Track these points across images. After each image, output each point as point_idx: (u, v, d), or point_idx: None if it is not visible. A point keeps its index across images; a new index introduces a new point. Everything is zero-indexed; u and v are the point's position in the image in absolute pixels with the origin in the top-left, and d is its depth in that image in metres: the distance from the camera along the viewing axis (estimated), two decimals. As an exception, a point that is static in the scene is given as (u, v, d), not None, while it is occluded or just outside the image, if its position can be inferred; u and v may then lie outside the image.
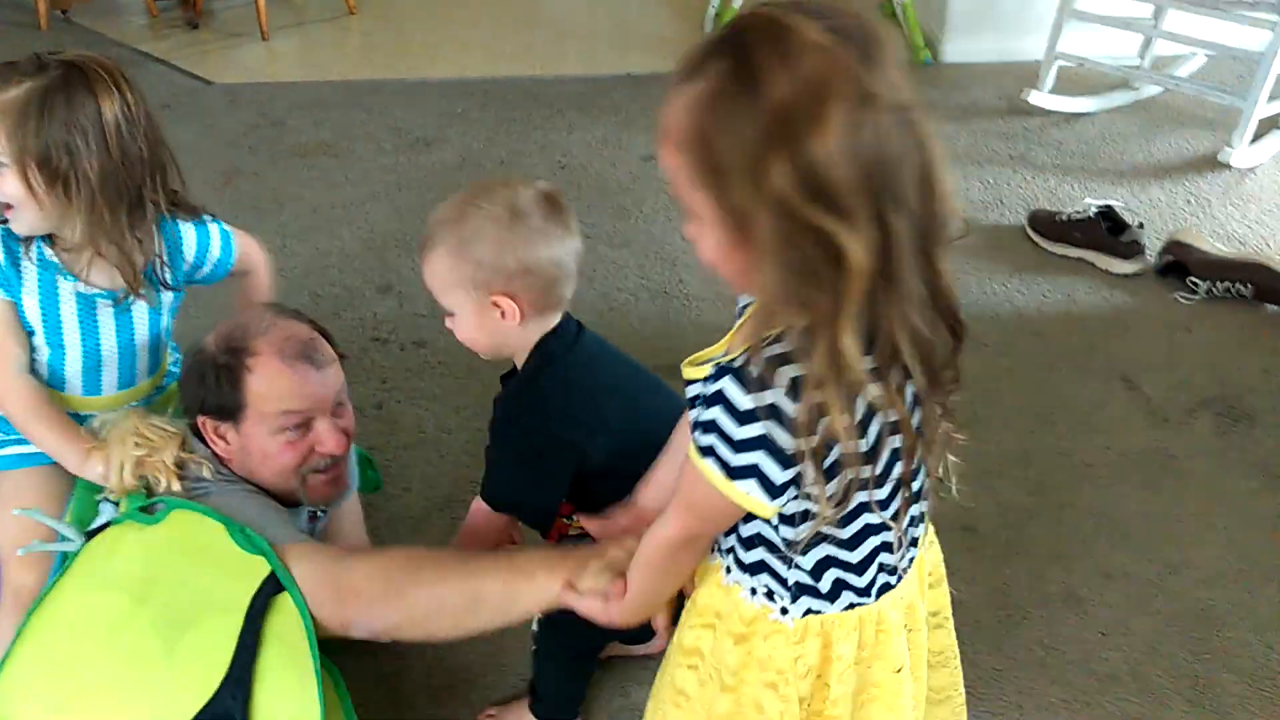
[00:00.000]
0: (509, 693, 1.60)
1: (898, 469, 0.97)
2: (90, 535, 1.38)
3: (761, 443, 0.87)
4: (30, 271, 1.42)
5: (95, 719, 1.25)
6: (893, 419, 0.93)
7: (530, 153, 3.13)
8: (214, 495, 1.38)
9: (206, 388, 1.40)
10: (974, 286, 2.56)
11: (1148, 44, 3.47)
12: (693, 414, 0.93)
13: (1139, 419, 2.17)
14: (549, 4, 4.62)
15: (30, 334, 1.45)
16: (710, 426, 0.89)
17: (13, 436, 1.49)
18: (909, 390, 0.92)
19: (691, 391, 0.95)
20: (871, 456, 0.93)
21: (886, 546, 1.02)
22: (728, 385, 0.87)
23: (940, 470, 1.03)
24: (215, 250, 1.57)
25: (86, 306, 1.45)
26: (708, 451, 0.90)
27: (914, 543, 1.08)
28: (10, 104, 1.30)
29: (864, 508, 0.97)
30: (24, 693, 1.28)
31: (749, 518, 0.99)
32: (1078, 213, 2.67)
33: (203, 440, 1.43)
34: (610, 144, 3.20)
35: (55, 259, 1.42)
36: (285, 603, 1.28)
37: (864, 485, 0.94)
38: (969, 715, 1.29)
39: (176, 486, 1.36)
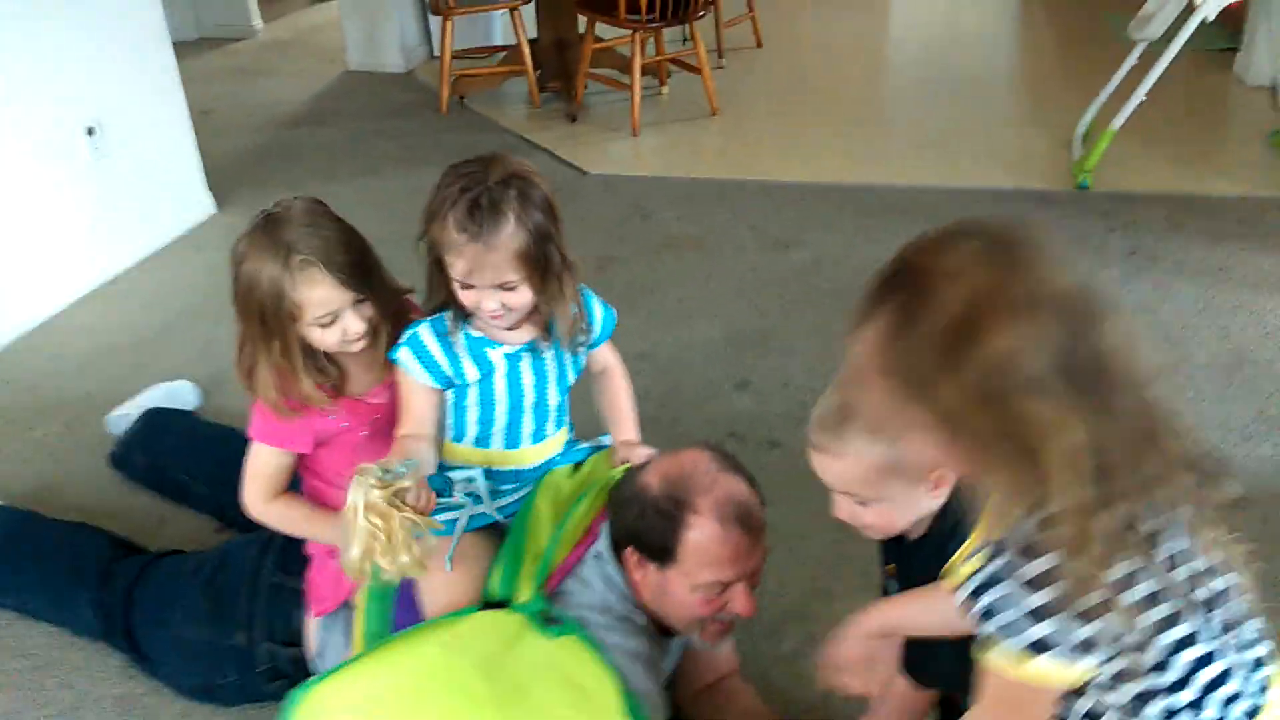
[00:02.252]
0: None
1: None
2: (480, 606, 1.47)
3: (1051, 608, 0.90)
4: (463, 351, 1.56)
5: None
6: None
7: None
8: (595, 628, 1.44)
9: (642, 525, 1.45)
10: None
11: None
12: (977, 608, 0.94)
13: None
14: (905, 111, 4.64)
15: (462, 396, 1.59)
16: (999, 604, 0.92)
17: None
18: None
19: (968, 588, 0.96)
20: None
21: (1225, 675, 0.98)
22: (1006, 559, 0.92)
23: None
24: (598, 317, 1.67)
25: (512, 362, 1.58)
26: (1003, 632, 0.92)
27: (1259, 663, 1.02)
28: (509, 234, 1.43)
29: (1181, 645, 0.95)
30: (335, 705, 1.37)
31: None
32: None
33: (618, 563, 1.50)
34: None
35: (482, 333, 1.55)
36: None
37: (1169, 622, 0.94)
38: None
39: (406, 559, 1.33)
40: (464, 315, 1.53)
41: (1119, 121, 3.48)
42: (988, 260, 0.89)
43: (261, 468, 1.64)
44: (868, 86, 5.01)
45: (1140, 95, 3.42)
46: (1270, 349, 2.70)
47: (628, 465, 1.63)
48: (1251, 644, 1.02)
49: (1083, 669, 0.92)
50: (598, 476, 1.67)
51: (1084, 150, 3.68)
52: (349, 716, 1.37)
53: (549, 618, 1.43)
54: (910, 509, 1.27)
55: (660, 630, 1.53)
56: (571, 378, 1.67)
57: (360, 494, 1.30)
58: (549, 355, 1.59)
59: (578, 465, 1.71)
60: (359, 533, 1.28)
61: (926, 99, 4.63)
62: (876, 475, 1.22)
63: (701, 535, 1.41)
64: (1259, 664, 1.03)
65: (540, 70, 4.51)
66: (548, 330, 1.57)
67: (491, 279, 1.44)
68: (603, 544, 1.53)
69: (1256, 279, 3.02)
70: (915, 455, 0.98)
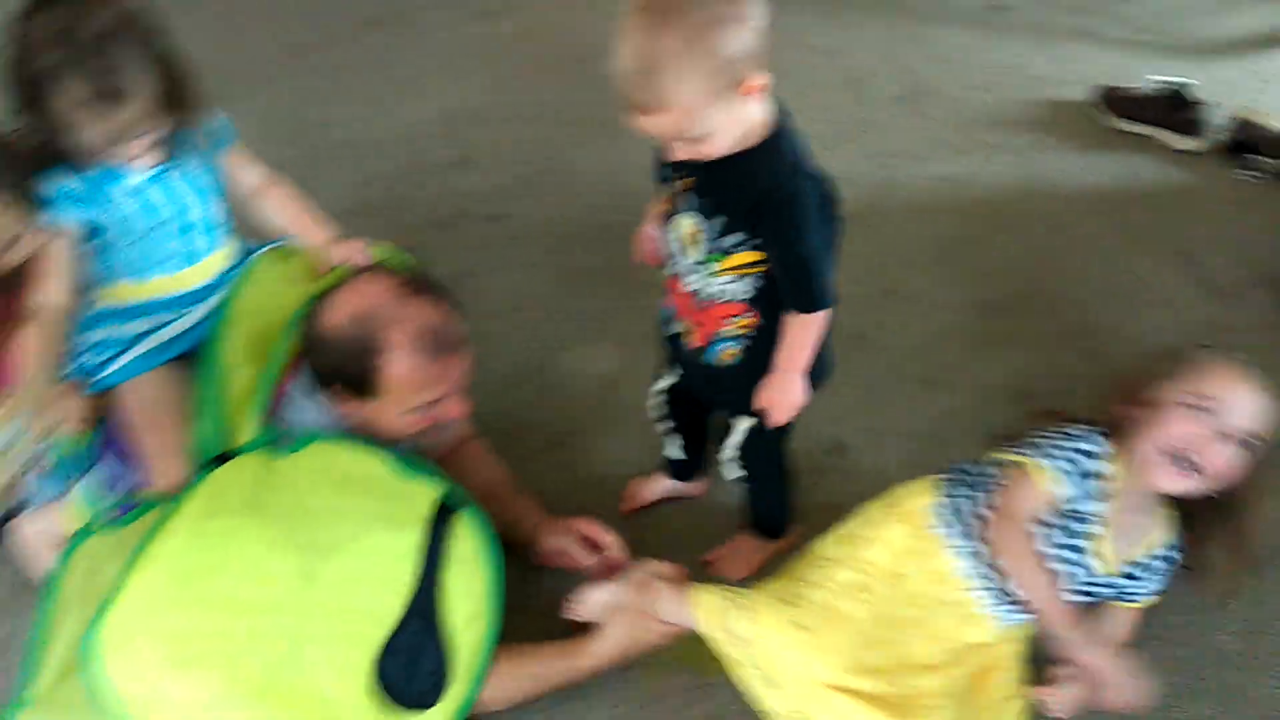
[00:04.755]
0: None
1: None
2: (208, 466, 1.42)
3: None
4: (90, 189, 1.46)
5: (228, 644, 1.30)
6: None
7: (604, 25, 3.15)
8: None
9: (340, 364, 1.43)
10: (1039, 162, 2.61)
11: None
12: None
13: (1196, 293, 2.24)
14: None
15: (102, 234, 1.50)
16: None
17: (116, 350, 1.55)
18: None
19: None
20: None
21: None
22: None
23: None
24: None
25: (142, 189, 1.49)
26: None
27: None
28: None
29: None
30: (143, 624, 1.30)
31: None
32: (1145, 89, 2.69)
33: (325, 395, 1.49)
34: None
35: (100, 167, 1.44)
36: (462, 524, 1.42)
37: None
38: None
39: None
40: (73, 156, 1.40)
41: None
42: None
43: None
44: None
45: None
46: (940, 77, 2.96)
47: (342, 267, 1.60)
48: None
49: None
50: (294, 295, 1.59)
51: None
52: (162, 645, 1.31)
53: (281, 440, 1.43)
54: (738, 125, 1.24)
55: None
56: (211, 187, 1.57)
57: None
58: (175, 173, 1.51)
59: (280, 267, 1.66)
60: None
61: None
62: (701, 111, 1.19)
63: (400, 367, 1.41)
64: None
65: None
66: (170, 147, 1.47)
67: (127, 134, 1.36)
68: (305, 378, 1.51)
69: (929, 12, 3.26)
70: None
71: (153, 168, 1.48)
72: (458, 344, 1.47)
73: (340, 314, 1.43)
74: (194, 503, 1.37)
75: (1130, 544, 1.42)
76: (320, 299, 1.48)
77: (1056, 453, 1.39)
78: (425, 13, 3.28)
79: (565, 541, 1.64)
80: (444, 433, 1.56)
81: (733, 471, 1.63)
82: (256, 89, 2.90)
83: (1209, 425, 1.32)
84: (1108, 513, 1.39)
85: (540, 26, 3.17)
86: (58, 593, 1.45)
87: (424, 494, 1.43)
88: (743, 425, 1.55)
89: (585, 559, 1.63)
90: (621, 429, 1.93)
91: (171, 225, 1.53)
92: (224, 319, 1.56)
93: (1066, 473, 1.38)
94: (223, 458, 1.43)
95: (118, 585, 1.32)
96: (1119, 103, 2.72)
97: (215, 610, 1.31)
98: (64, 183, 1.44)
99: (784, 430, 1.51)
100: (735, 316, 1.40)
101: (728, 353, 1.44)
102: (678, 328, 1.50)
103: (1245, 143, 2.56)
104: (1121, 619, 1.50)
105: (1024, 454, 1.40)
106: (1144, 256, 2.33)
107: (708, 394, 1.58)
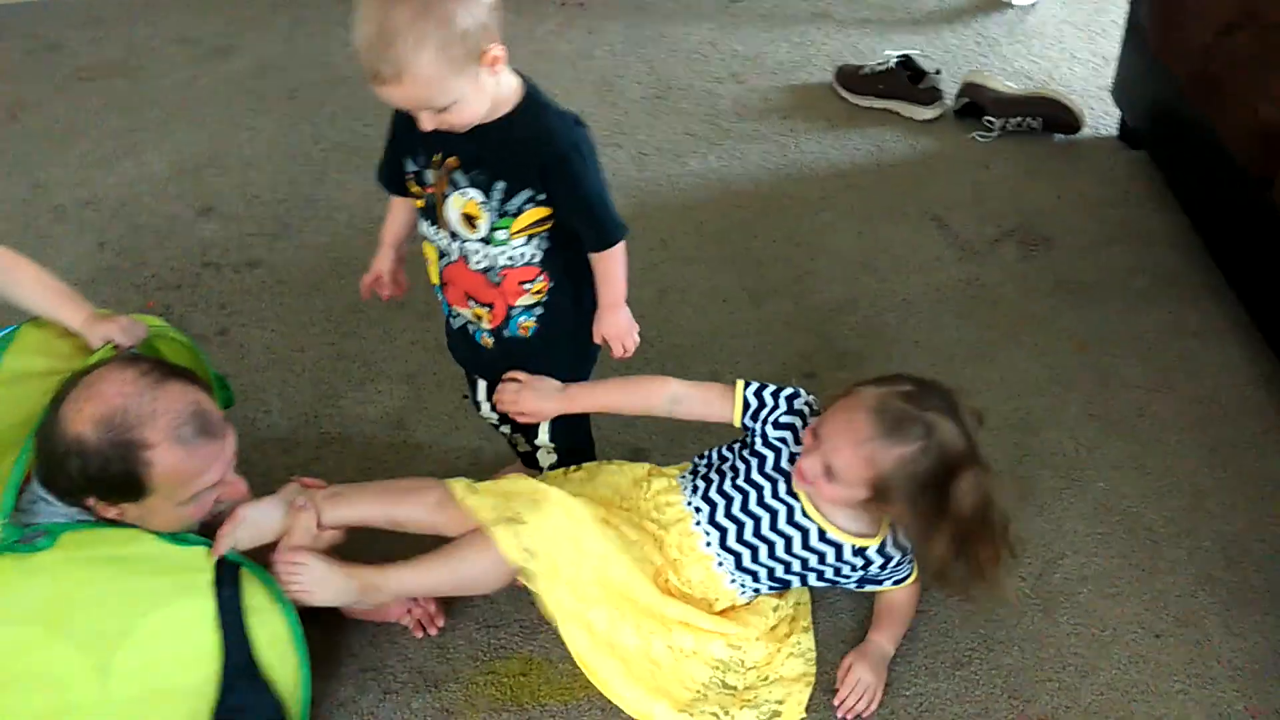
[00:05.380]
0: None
1: None
2: None
3: None
4: None
5: None
6: None
7: (337, 54, 3.03)
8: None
9: (95, 477, 1.30)
10: (791, 146, 2.67)
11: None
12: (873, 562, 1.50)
13: (950, 254, 2.34)
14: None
15: None
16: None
17: None
18: None
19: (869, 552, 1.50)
20: None
21: None
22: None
23: None
24: None
25: None
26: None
27: None
28: None
29: None
30: None
31: None
32: (879, 65, 2.80)
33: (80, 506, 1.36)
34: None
35: None
36: (246, 577, 1.36)
37: None
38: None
39: None
40: None
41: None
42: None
43: None
44: None
45: None
46: (687, 72, 3.00)
47: (110, 345, 1.48)
48: None
49: None
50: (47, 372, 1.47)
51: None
52: None
53: (31, 538, 1.30)
54: (484, 95, 1.30)
55: None
56: None
57: None
58: None
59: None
60: None
61: None
62: (441, 80, 1.23)
63: (166, 463, 1.30)
64: None
65: None
66: None
67: None
68: (42, 490, 1.37)
69: (671, 10, 3.30)
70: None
71: None
72: (219, 426, 1.37)
73: (83, 422, 1.28)
74: None
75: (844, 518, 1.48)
76: (50, 411, 1.33)
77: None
78: (145, 58, 3.06)
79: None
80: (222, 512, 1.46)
81: (547, 458, 1.65)
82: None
83: (819, 459, 1.40)
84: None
85: (272, 61, 3.01)
86: None
87: (199, 556, 1.35)
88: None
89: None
90: (414, 461, 1.86)
91: None
92: None
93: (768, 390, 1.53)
94: None
95: None
96: (856, 80, 2.82)
97: None
98: None
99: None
100: (529, 282, 1.44)
101: (524, 325, 1.48)
102: (466, 319, 1.51)
103: (975, 105, 2.71)
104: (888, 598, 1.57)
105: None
106: (898, 226, 2.43)
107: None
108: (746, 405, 1.52)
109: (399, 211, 1.56)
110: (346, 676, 1.54)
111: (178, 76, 2.98)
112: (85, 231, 2.40)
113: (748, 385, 1.53)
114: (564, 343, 1.54)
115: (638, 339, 1.53)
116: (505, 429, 1.68)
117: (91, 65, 3.03)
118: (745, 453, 1.53)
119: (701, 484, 1.53)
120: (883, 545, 1.49)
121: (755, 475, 1.50)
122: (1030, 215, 2.44)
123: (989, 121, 2.68)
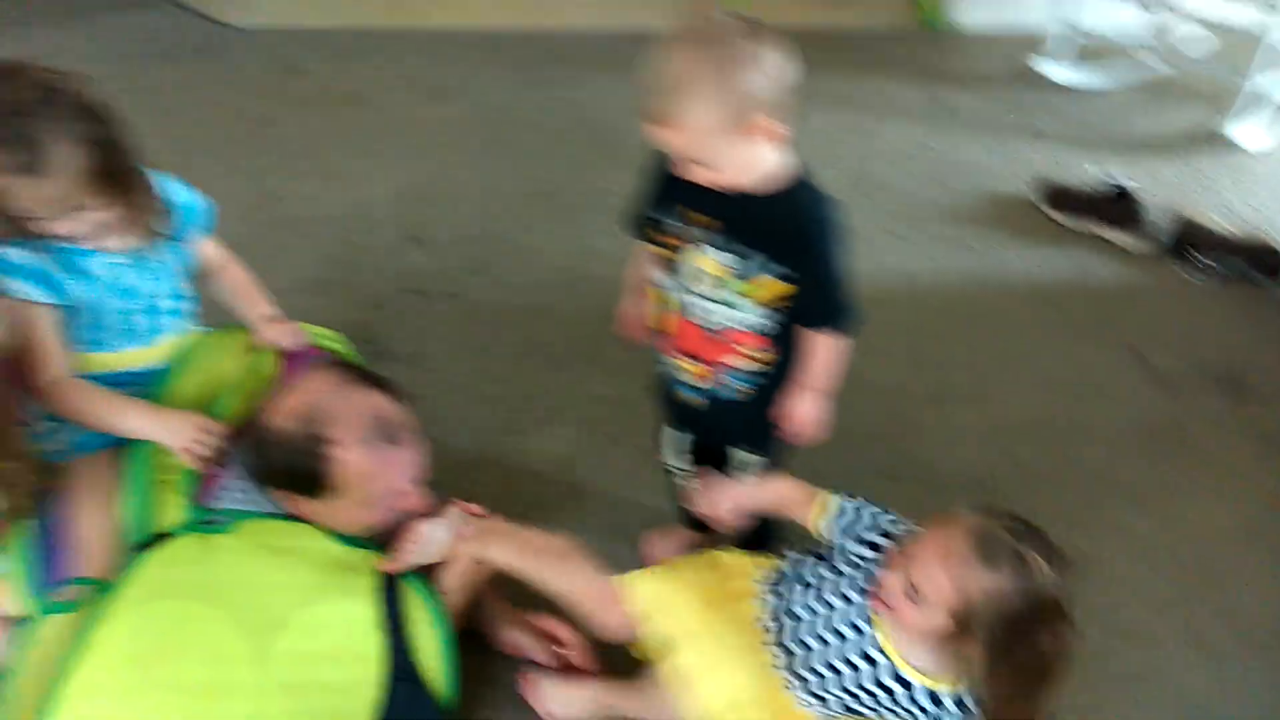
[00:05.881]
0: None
1: None
2: (139, 549, 1.37)
3: None
4: (57, 268, 1.44)
5: None
6: None
7: (552, 107, 3.16)
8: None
9: (288, 468, 1.39)
10: (989, 256, 2.64)
11: (1160, 22, 3.53)
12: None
13: (1147, 389, 2.26)
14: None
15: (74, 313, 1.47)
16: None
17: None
18: None
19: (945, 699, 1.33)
20: None
21: None
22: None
23: None
24: (187, 203, 1.56)
25: (110, 268, 1.48)
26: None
27: None
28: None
29: None
30: (97, 711, 1.25)
31: None
32: (1093, 188, 2.75)
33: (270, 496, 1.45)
34: (623, 98, 3.24)
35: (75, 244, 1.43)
36: (408, 589, 1.40)
37: None
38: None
39: None
40: (38, 237, 1.39)
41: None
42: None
43: None
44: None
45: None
46: (884, 167, 3.01)
47: (266, 349, 1.59)
48: None
49: None
50: (232, 369, 1.60)
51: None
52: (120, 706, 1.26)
53: (213, 520, 1.39)
54: (750, 162, 1.31)
55: None
56: (179, 270, 1.57)
57: None
58: (148, 256, 1.50)
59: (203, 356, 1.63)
60: None
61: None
62: (708, 135, 1.26)
63: (350, 463, 1.38)
64: None
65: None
66: (140, 227, 1.45)
67: (59, 210, 1.34)
68: (244, 477, 1.46)
69: (873, 104, 3.33)
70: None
71: (126, 249, 1.46)
72: (407, 431, 1.44)
73: (284, 416, 1.41)
74: (134, 587, 1.31)
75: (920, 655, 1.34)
76: (262, 406, 1.44)
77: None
78: (379, 93, 3.26)
79: (525, 636, 1.59)
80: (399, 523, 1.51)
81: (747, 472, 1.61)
82: (217, 159, 2.84)
83: (903, 575, 1.27)
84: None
85: (488, 109, 3.17)
86: (15, 681, 1.34)
87: (366, 561, 1.40)
88: (752, 461, 1.58)
89: (542, 655, 1.57)
90: (580, 508, 1.88)
91: (139, 305, 1.52)
92: (159, 399, 1.53)
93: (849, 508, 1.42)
94: (152, 540, 1.37)
95: (64, 674, 1.25)
96: (1061, 198, 2.78)
97: (171, 694, 1.25)
98: (28, 257, 1.41)
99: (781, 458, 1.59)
100: (755, 349, 1.44)
101: (740, 389, 1.48)
102: (680, 370, 1.51)
103: (1188, 242, 2.63)
104: None
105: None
106: (1095, 352, 2.36)
107: (716, 435, 1.59)
108: (835, 511, 1.44)
109: (642, 257, 1.55)
110: (487, 699, 1.57)
111: (404, 113, 3.16)
112: (307, 243, 2.56)
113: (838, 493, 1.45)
114: (771, 408, 1.50)
115: (819, 434, 1.50)
116: (689, 471, 1.68)
117: (330, 92, 3.24)
118: (823, 568, 1.43)
119: (774, 599, 1.44)
120: (960, 698, 1.34)
121: (829, 595, 1.40)
122: (1238, 362, 2.35)
123: (1202, 260, 2.59)
